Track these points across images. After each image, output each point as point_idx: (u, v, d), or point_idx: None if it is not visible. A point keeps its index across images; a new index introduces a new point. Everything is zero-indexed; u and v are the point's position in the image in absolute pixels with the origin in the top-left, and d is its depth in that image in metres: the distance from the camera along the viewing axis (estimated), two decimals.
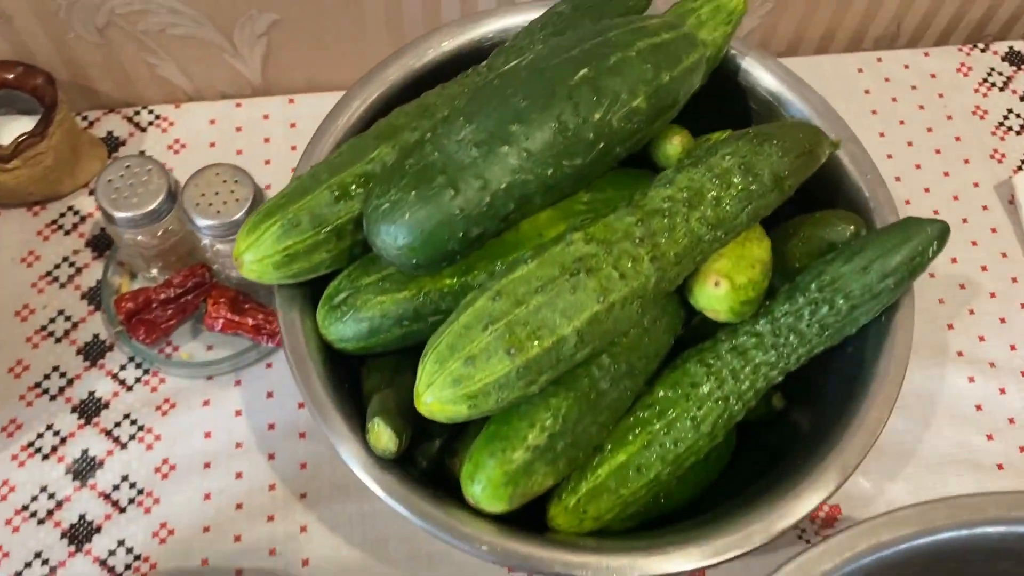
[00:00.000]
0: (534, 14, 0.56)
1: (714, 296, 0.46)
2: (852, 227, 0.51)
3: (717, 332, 0.49)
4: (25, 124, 0.65)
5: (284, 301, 0.48)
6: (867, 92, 0.74)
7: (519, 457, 0.43)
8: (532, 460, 0.43)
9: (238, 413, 0.60)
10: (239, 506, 0.58)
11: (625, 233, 0.43)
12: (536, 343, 0.40)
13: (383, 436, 0.43)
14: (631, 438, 0.47)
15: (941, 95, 0.74)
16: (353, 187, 0.45)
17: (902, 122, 0.73)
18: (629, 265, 0.42)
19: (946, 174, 0.71)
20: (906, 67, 0.75)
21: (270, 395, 0.61)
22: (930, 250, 0.47)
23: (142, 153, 0.69)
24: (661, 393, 0.48)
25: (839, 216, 0.52)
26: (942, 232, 0.48)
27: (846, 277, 0.47)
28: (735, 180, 0.45)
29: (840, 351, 0.50)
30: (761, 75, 0.56)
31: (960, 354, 0.65)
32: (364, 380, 0.50)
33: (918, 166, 0.71)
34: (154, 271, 0.62)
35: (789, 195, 0.47)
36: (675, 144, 0.50)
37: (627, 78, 0.44)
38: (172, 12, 0.63)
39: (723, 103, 0.56)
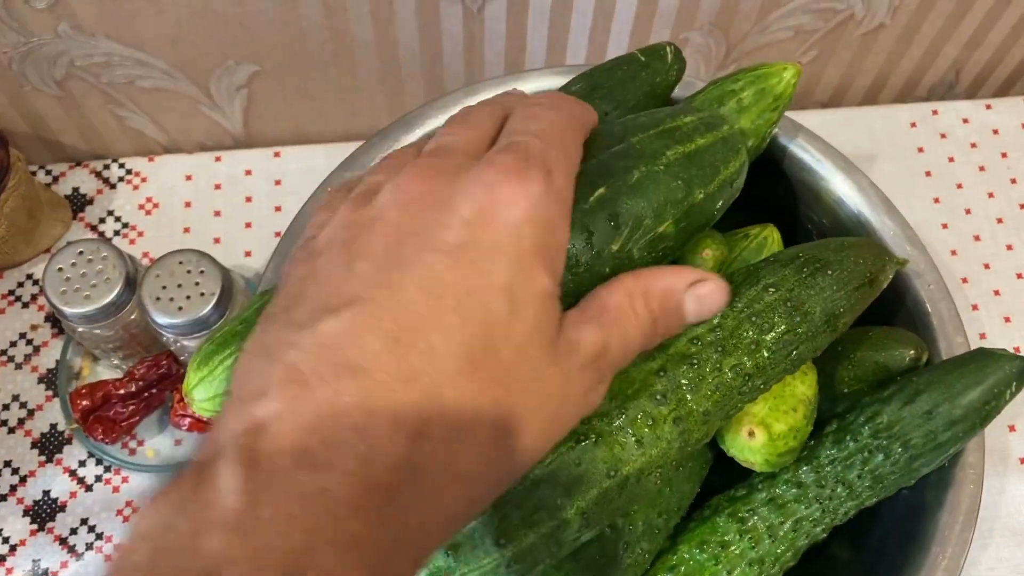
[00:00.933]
0: (546, 81, 0.49)
1: (748, 447, 0.39)
2: (912, 352, 0.43)
3: (752, 476, 0.42)
4: None
5: None
6: (920, 150, 0.66)
7: None
8: None
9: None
10: None
11: (643, 384, 0.36)
12: (531, 531, 0.33)
13: None
14: None
15: (1004, 154, 0.66)
16: None
17: (959, 186, 0.65)
18: (647, 428, 0.35)
19: (1009, 247, 0.63)
20: (965, 121, 0.67)
21: None
22: (1008, 392, 0.40)
23: (116, 221, 0.62)
24: (686, 553, 0.41)
25: (898, 337, 0.44)
26: (1022, 370, 0.40)
27: (906, 422, 0.40)
28: (779, 320, 0.37)
29: (893, 496, 0.43)
30: (807, 154, 0.48)
31: (1022, 461, 0.57)
32: None
33: (977, 238, 0.63)
34: (115, 359, 0.55)
35: (843, 332, 0.40)
36: (706, 258, 0.42)
37: (652, 199, 0.35)
38: (139, 64, 0.56)
39: (757, 181, 0.49)
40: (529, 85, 0.49)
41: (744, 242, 0.47)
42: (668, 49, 0.45)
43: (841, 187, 0.48)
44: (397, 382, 0.23)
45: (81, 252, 0.50)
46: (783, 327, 0.37)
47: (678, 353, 0.37)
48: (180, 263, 0.49)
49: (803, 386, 0.41)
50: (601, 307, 0.30)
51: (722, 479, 0.43)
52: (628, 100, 0.45)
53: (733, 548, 0.41)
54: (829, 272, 0.39)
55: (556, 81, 0.48)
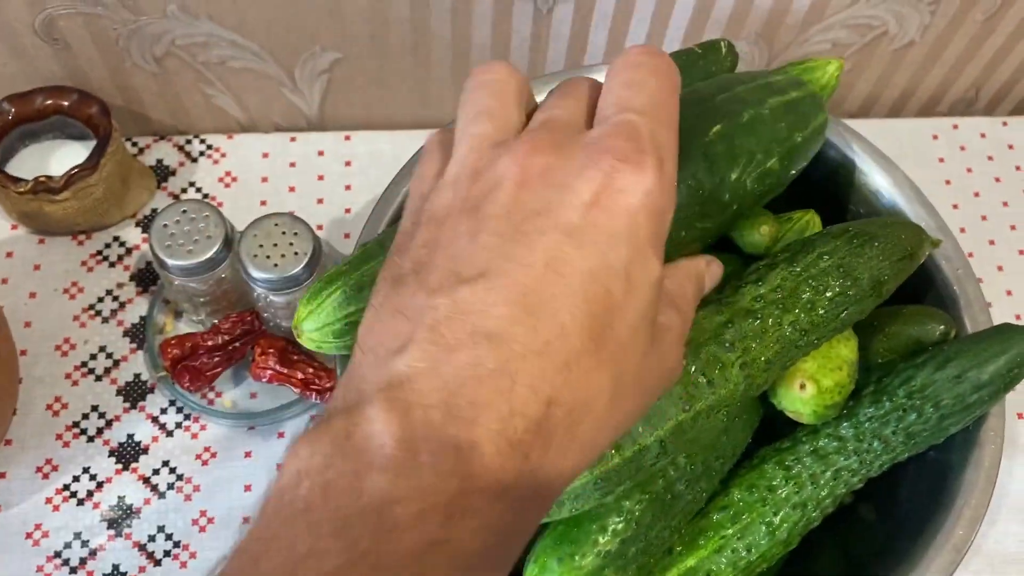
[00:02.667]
0: (599, 75, 0.54)
1: (799, 399, 0.44)
2: (942, 327, 0.48)
3: (796, 431, 0.47)
4: (74, 150, 0.63)
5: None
6: (941, 160, 0.71)
7: (589, 563, 0.41)
8: (602, 566, 0.41)
9: (279, 467, 0.58)
10: None
11: (713, 334, 0.41)
12: (616, 453, 0.38)
13: None
14: (702, 542, 0.44)
15: (1019, 167, 0.72)
16: None
17: (977, 194, 0.70)
18: (717, 371, 0.40)
19: (1021, 252, 0.69)
20: (983, 136, 0.72)
21: None
22: None
23: (197, 192, 0.67)
24: (737, 495, 0.45)
25: (929, 314, 0.49)
26: None
27: (937, 385, 0.45)
28: (832, 283, 0.42)
29: (920, 455, 0.48)
30: (849, 149, 0.53)
31: None
32: None
33: (992, 242, 0.69)
34: (202, 314, 0.60)
35: (885, 299, 0.45)
36: (763, 233, 0.47)
37: (761, 137, 0.41)
38: (233, 45, 0.61)
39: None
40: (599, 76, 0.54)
41: (788, 224, 0.52)
42: (723, 43, 0.51)
43: (878, 179, 0.53)
44: (532, 353, 0.25)
45: (185, 211, 0.54)
46: (836, 289, 0.42)
47: (743, 309, 0.42)
48: (276, 225, 0.54)
49: (846, 349, 0.46)
50: (670, 293, 0.32)
51: (765, 431, 0.48)
52: (685, 87, 0.50)
53: (779, 492, 0.45)
54: (875, 244, 0.44)
55: None
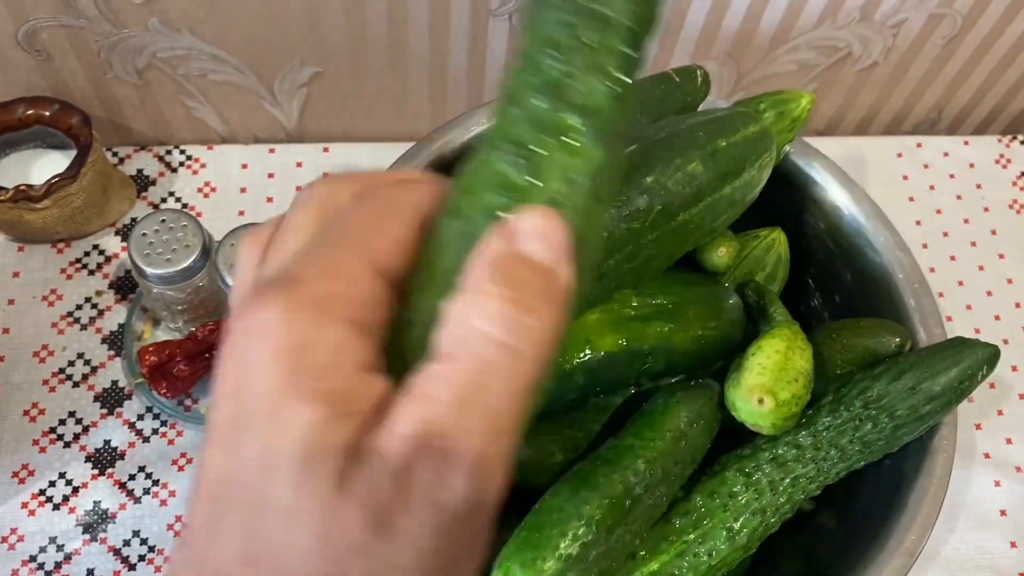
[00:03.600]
0: None
1: (757, 412, 0.46)
2: (898, 339, 0.50)
3: (756, 439, 0.49)
4: (55, 159, 0.64)
5: None
6: (905, 178, 0.73)
7: (551, 568, 0.42)
8: (564, 570, 0.42)
9: None
10: None
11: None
12: None
13: None
14: (665, 546, 0.46)
15: (979, 186, 0.74)
16: None
17: (939, 211, 0.73)
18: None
19: (981, 268, 0.71)
20: (945, 154, 0.75)
21: None
22: (979, 374, 0.47)
23: (176, 201, 0.68)
24: (698, 501, 0.47)
25: (886, 327, 0.51)
26: (992, 356, 0.47)
27: (892, 396, 0.47)
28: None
29: (876, 463, 0.49)
30: (813, 170, 0.55)
31: (987, 456, 0.64)
32: None
33: (953, 258, 0.71)
34: (179, 322, 0.60)
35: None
36: (721, 255, 0.49)
37: (676, 147, 0.43)
38: (214, 59, 0.62)
39: (769, 190, 0.55)
40: None
41: (754, 242, 0.54)
42: (699, 72, 0.52)
43: (841, 198, 0.54)
44: None
45: (163, 220, 0.55)
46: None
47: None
48: None
49: (802, 360, 0.47)
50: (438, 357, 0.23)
51: (725, 435, 0.50)
52: (665, 115, 0.51)
53: (740, 498, 0.47)
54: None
55: None
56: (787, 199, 0.56)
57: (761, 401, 0.46)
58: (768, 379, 0.46)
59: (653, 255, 0.45)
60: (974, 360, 0.47)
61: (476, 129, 0.54)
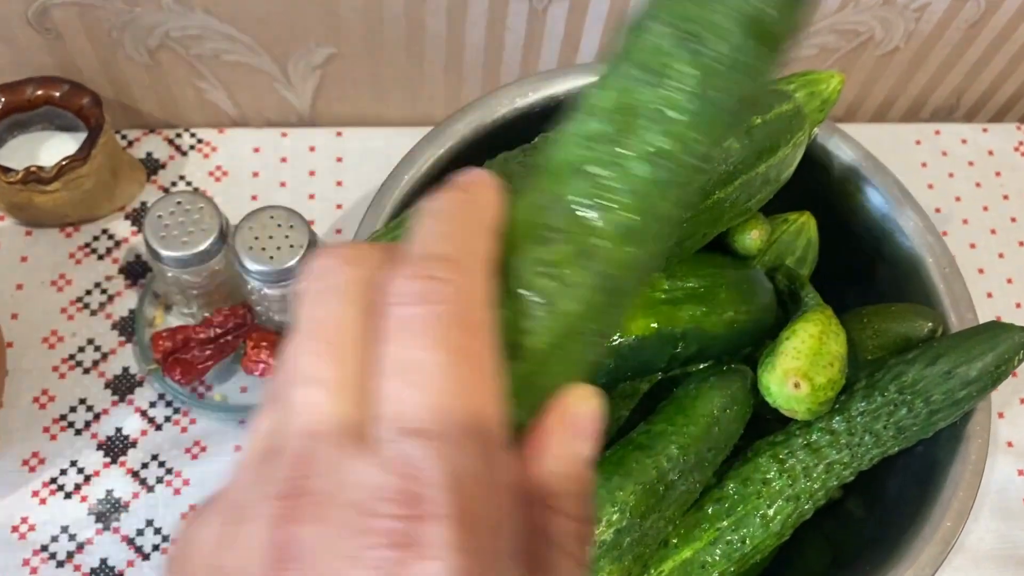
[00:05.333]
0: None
1: (793, 397, 0.45)
2: (931, 324, 0.49)
3: (790, 424, 0.48)
4: (63, 141, 0.62)
5: None
6: (924, 165, 0.73)
7: None
8: (598, 557, 0.41)
9: None
10: None
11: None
12: None
13: None
14: (698, 533, 0.45)
15: (998, 173, 0.73)
16: None
17: (958, 198, 0.72)
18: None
19: (1001, 255, 0.70)
20: (964, 142, 0.74)
21: None
22: (1016, 358, 0.46)
23: (187, 185, 0.66)
24: (731, 487, 0.46)
25: (917, 311, 0.50)
26: None
27: (927, 381, 0.46)
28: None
29: (909, 449, 0.48)
30: (842, 152, 0.54)
31: (1010, 444, 0.63)
32: None
33: (973, 245, 0.70)
34: (193, 307, 0.59)
35: None
36: (753, 238, 0.48)
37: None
38: (228, 39, 0.61)
39: (798, 174, 0.55)
40: (588, 79, 0.55)
41: (784, 226, 0.53)
42: None
43: (870, 182, 0.54)
44: None
45: (180, 202, 0.54)
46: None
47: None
48: (271, 217, 0.54)
49: (837, 345, 0.47)
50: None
51: (756, 422, 0.49)
52: None
53: (773, 484, 0.46)
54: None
55: None
56: (815, 183, 0.56)
57: (797, 385, 0.45)
58: (804, 363, 0.45)
59: (687, 235, 0.44)
60: (1010, 344, 0.46)
61: (501, 110, 0.53)
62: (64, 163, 0.58)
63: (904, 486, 0.49)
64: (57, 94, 0.60)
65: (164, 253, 0.53)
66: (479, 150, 0.52)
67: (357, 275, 0.22)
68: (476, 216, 0.24)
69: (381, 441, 0.20)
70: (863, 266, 0.56)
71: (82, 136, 0.61)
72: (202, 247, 0.53)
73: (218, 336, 0.58)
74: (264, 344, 0.57)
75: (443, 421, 0.20)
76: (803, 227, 0.53)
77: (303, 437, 0.20)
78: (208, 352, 0.58)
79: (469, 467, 0.20)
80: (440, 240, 0.23)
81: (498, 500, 0.21)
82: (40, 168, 0.58)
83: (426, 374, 0.21)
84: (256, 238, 0.53)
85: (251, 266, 0.53)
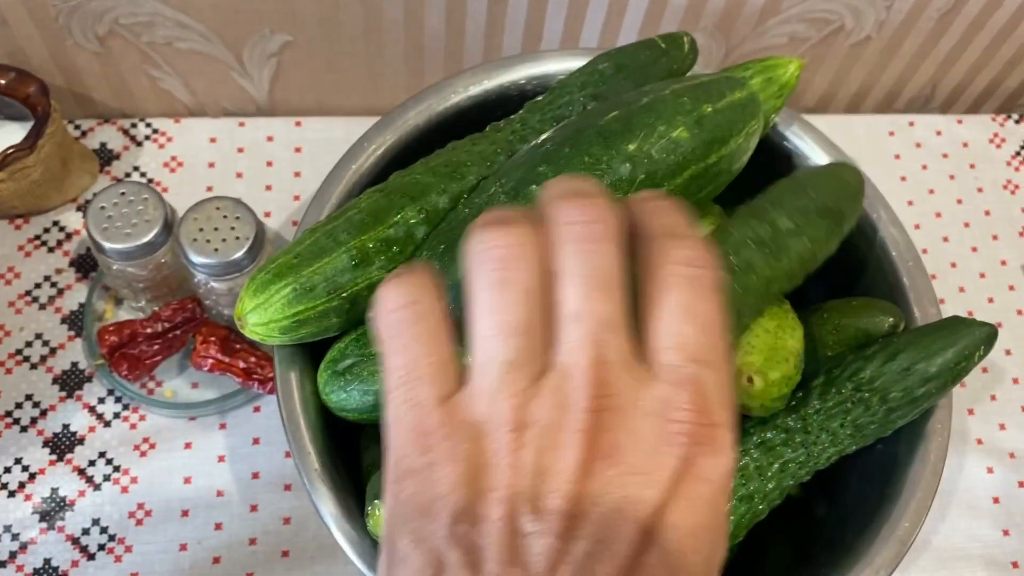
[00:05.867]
0: (564, 63, 0.53)
1: (746, 392, 0.43)
2: (891, 319, 0.48)
3: (744, 423, 0.46)
4: (12, 131, 0.61)
5: (283, 361, 0.44)
6: (897, 157, 0.71)
7: None
8: None
9: (221, 459, 0.57)
10: (216, 560, 0.54)
11: None
12: None
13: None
14: None
15: (972, 165, 0.72)
16: (373, 252, 0.42)
17: (932, 191, 0.70)
18: None
19: (974, 249, 0.69)
20: (938, 133, 0.72)
21: (256, 441, 0.57)
22: (976, 355, 0.45)
23: (141, 176, 0.65)
24: None
25: (878, 306, 0.49)
26: (990, 336, 0.45)
27: (885, 378, 0.44)
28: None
29: (868, 448, 0.47)
30: (802, 141, 0.53)
31: (980, 442, 0.62)
32: (363, 452, 0.47)
33: (946, 239, 0.69)
34: (142, 301, 0.58)
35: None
36: (706, 225, 0.47)
37: (661, 113, 0.41)
38: (180, 26, 0.59)
39: (756, 164, 0.53)
40: (549, 66, 0.53)
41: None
42: (685, 39, 0.50)
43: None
44: None
45: (123, 193, 0.53)
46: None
47: None
48: (217, 208, 0.52)
49: (793, 340, 0.45)
50: None
51: None
52: (649, 82, 0.49)
53: None
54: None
55: (575, 62, 0.52)
56: (774, 173, 0.54)
57: (750, 380, 0.43)
58: (758, 358, 0.44)
59: None
60: (971, 340, 0.45)
61: (454, 98, 0.52)
62: (9, 152, 0.56)
63: (863, 485, 0.48)
64: (3, 82, 0.58)
65: (107, 245, 0.52)
66: (431, 138, 0.50)
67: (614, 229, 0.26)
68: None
69: (670, 366, 0.25)
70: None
71: (30, 125, 0.59)
72: (145, 239, 0.52)
73: (166, 331, 0.56)
74: (213, 339, 0.55)
75: (716, 352, 0.26)
76: None
77: (595, 367, 0.24)
78: (156, 347, 0.56)
79: (728, 386, 0.26)
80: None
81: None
82: None
83: (703, 317, 0.25)
84: (201, 230, 0.51)
85: (195, 259, 0.51)
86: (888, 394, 0.44)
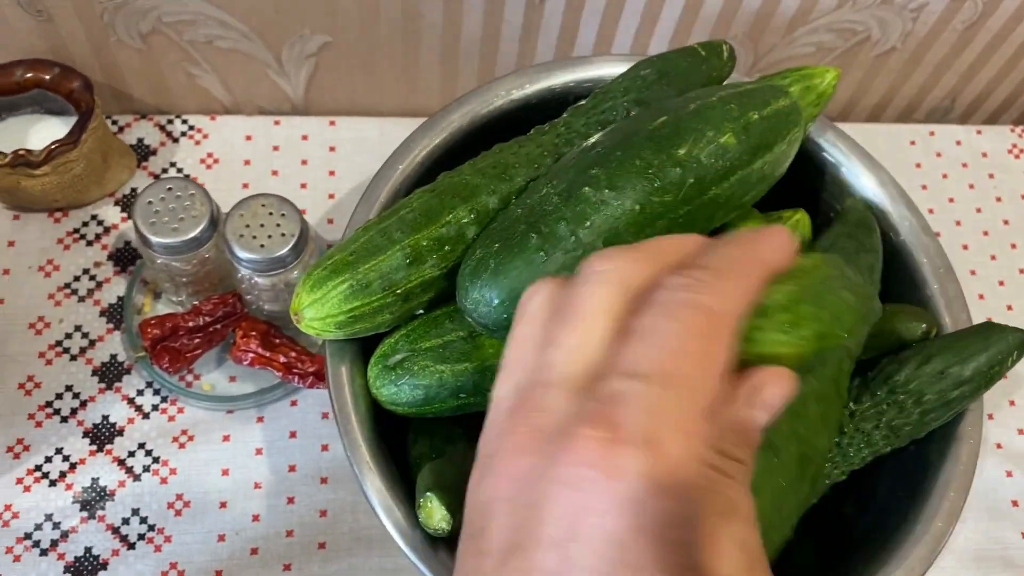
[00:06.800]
0: (604, 69, 0.54)
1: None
2: (924, 325, 0.49)
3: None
4: (53, 125, 0.62)
5: (334, 355, 0.46)
6: (918, 166, 0.73)
7: None
8: None
9: (258, 451, 0.58)
10: (254, 551, 0.55)
11: None
12: None
13: (436, 514, 0.41)
14: None
15: (991, 175, 0.73)
16: (426, 250, 0.43)
17: (951, 199, 0.72)
18: None
19: (993, 257, 0.70)
20: (958, 143, 0.74)
21: (293, 435, 0.58)
22: (1009, 359, 0.46)
23: (178, 172, 0.66)
24: None
25: (911, 313, 0.50)
26: (1022, 342, 0.46)
27: (920, 381, 0.46)
28: None
29: (901, 449, 0.48)
30: (836, 149, 0.54)
31: (999, 446, 0.63)
32: (411, 444, 0.48)
33: (965, 247, 0.70)
34: (183, 295, 0.59)
35: None
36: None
37: (709, 119, 0.42)
38: (222, 25, 0.60)
39: (791, 170, 0.54)
40: (589, 72, 0.54)
41: (779, 223, 0.53)
42: (725, 47, 0.51)
43: (865, 180, 0.54)
44: None
45: (170, 188, 0.53)
46: None
47: None
48: (263, 205, 0.53)
49: None
50: None
51: None
52: (689, 88, 0.50)
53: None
54: None
55: (615, 68, 0.53)
56: (808, 180, 0.55)
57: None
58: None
59: (683, 231, 0.44)
60: (1005, 345, 0.46)
61: (497, 101, 0.53)
62: (53, 147, 0.57)
63: (895, 486, 0.49)
64: (47, 77, 0.59)
65: (154, 240, 0.53)
66: (474, 141, 0.52)
67: (633, 271, 0.28)
68: (758, 256, 0.28)
69: (599, 378, 0.25)
70: None
71: (71, 120, 0.60)
72: (192, 234, 0.53)
73: (207, 324, 0.57)
74: (253, 333, 0.56)
75: (658, 371, 0.25)
76: (797, 224, 0.53)
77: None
78: (197, 340, 0.57)
79: (677, 407, 0.25)
80: (719, 258, 0.27)
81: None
82: (29, 151, 0.57)
83: (659, 335, 0.25)
84: (247, 226, 0.52)
85: (241, 254, 0.52)
86: (923, 396, 0.46)
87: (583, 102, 0.50)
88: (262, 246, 0.52)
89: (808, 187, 0.55)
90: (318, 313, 0.42)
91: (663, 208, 0.42)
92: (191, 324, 0.57)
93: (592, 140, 0.45)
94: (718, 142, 0.42)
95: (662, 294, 0.26)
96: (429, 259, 0.43)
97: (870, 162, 0.54)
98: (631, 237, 0.41)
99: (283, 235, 0.53)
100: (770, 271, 0.28)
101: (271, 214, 0.53)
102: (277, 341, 0.57)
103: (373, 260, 0.42)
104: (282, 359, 0.56)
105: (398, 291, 0.43)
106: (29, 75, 0.59)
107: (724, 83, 0.52)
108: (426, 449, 0.46)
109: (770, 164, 0.45)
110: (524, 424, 0.26)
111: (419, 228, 0.43)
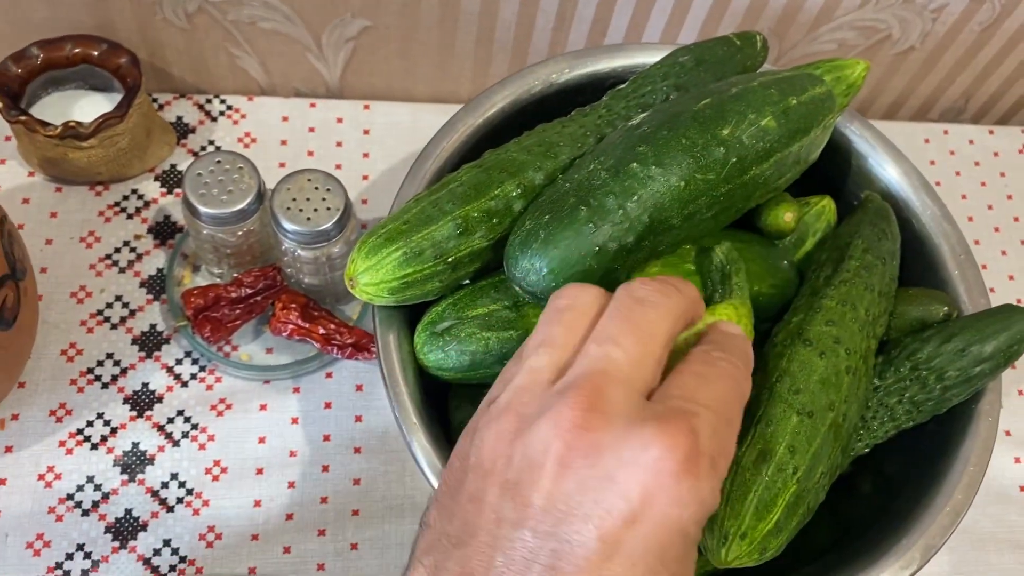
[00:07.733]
0: (640, 57, 0.56)
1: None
2: (945, 308, 0.51)
3: None
4: (97, 101, 0.63)
5: (383, 322, 0.47)
6: (932, 163, 0.75)
7: None
8: None
9: (294, 421, 0.59)
10: (289, 516, 0.57)
11: None
12: None
13: None
14: None
15: (1003, 174, 0.75)
16: (476, 222, 0.45)
17: (964, 196, 0.74)
18: None
19: (1003, 252, 0.72)
20: (971, 142, 0.76)
21: (328, 406, 0.60)
22: None
23: (217, 150, 0.67)
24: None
25: (933, 296, 0.52)
26: None
27: (942, 358, 0.48)
28: None
29: (921, 425, 0.50)
30: (861, 139, 0.56)
31: (1008, 433, 0.66)
32: (453, 411, 0.49)
33: (977, 242, 0.72)
34: (224, 267, 0.60)
35: None
36: (788, 220, 0.50)
37: (751, 102, 0.45)
38: (266, 6, 0.62)
39: (819, 158, 0.56)
40: (626, 59, 0.56)
41: (806, 208, 0.55)
42: (759, 37, 0.53)
43: (890, 170, 0.56)
44: None
45: (219, 161, 0.55)
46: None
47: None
48: (309, 180, 0.55)
49: None
50: None
51: None
52: (725, 76, 0.52)
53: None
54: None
55: (652, 56, 0.55)
56: (835, 168, 0.57)
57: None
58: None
59: (722, 209, 0.46)
60: (1023, 325, 0.48)
61: (538, 86, 0.55)
62: (102, 120, 0.59)
63: (915, 460, 0.51)
64: (95, 53, 0.61)
65: (203, 210, 0.54)
66: (514, 123, 0.53)
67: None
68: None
69: (670, 397, 0.31)
70: None
71: (116, 97, 0.62)
72: (240, 206, 0.54)
73: (248, 296, 0.59)
74: (293, 306, 0.58)
75: (721, 406, 0.31)
76: (823, 210, 0.55)
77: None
78: (237, 311, 0.59)
79: (727, 439, 0.32)
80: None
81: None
82: (79, 123, 0.58)
83: (716, 383, 0.32)
84: (294, 199, 0.54)
85: (288, 226, 0.54)
86: (944, 373, 0.48)
87: (623, 86, 0.52)
88: (308, 219, 0.54)
89: (834, 175, 0.57)
90: (372, 279, 0.44)
91: (706, 185, 0.44)
92: (233, 295, 0.58)
93: (636, 120, 0.47)
94: (759, 124, 0.44)
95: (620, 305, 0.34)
96: (478, 230, 0.45)
97: (895, 153, 0.56)
98: (675, 212, 0.43)
99: (328, 209, 0.54)
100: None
101: (316, 188, 0.55)
102: (316, 313, 0.59)
103: (426, 229, 0.44)
104: (321, 331, 0.58)
105: (448, 260, 0.45)
106: (77, 50, 0.61)
107: (759, 71, 0.54)
108: (468, 415, 0.48)
109: (806, 148, 0.47)
110: (581, 400, 0.30)
111: (469, 200, 0.45)
